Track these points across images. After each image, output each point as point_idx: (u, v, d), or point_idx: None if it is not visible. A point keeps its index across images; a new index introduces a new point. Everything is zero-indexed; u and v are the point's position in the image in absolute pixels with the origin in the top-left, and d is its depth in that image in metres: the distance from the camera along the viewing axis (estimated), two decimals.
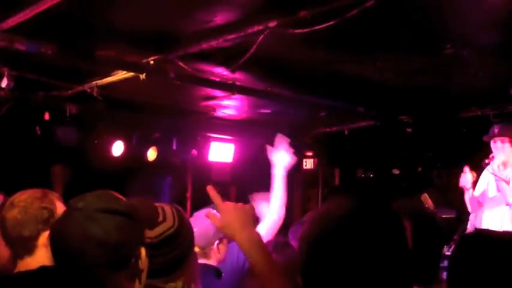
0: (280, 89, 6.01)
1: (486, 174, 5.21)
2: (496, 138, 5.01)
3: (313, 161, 9.19)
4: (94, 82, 5.56)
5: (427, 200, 5.31)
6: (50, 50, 4.36)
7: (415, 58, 4.77)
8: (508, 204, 4.85)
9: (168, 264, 1.84)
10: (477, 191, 5.25)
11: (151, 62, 4.82)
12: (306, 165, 9.25)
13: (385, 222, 1.28)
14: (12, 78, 5.00)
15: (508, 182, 4.88)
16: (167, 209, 1.94)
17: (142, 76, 4.90)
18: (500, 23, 3.86)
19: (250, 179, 9.28)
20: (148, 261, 1.64)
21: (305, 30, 3.75)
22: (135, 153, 7.38)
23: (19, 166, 6.36)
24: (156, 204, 1.96)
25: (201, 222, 2.99)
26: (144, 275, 1.62)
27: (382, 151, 8.34)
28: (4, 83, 4.97)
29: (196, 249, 2.90)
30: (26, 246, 2.29)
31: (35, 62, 4.89)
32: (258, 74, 5.39)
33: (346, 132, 7.95)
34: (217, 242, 3.03)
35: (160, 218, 1.89)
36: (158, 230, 1.84)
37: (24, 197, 2.33)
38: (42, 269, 1.47)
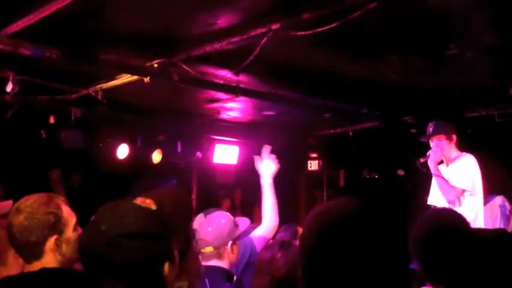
0: (284, 91, 6.02)
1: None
2: (433, 137, 5.00)
3: (318, 163, 9.19)
4: (98, 86, 5.58)
5: None
6: (55, 54, 4.37)
7: (418, 59, 4.77)
8: (449, 202, 4.78)
9: None
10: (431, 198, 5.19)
11: (155, 65, 4.84)
12: (310, 167, 9.26)
13: (387, 220, 1.29)
14: (17, 82, 5.02)
15: (446, 180, 4.83)
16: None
17: (147, 79, 4.92)
18: (502, 23, 3.85)
19: (254, 181, 9.29)
20: (173, 273, 1.62)
21: (308, 32, 3.75)
22: (139, 156, 7.40)
23: (25, 170, 6.38)
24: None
25: (216, 222, 3.02)
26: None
27: (386, 152, 8.33)
28: (9, 88, 4.99)
29: (211, 249, 2.93)
30: (33, 252, 2.29)
31: (39, 66, 4.91)
32: (261, 76, 5.39)
33: (350, 134, 7.94)
34: (230, 242, 3.03)
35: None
36: None
37: (30, 203, 2.33)
38: (43, 270, 1.47)
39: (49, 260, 2.29)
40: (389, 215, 1.30)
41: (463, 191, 4.78)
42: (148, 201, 1.64)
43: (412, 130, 7.17)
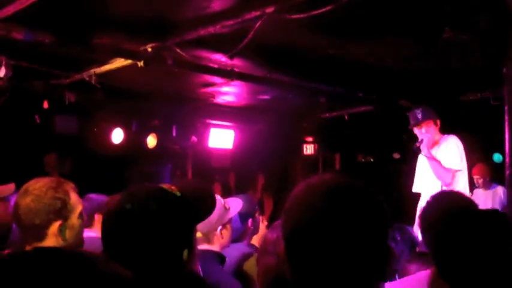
0: (279, 75, 5.99)
1: (421, 161, 5.26)
2: (423, 124, 5.07)
3: (314, 147, 9.20)
4: (92, 70, 5.54)
5: None
6: (47, 38, 4.34)
7: (414, 42, 4.75)
8: (446, 185, 4.83)
9: None
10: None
11: (149, 50, 4.81)
12: (306, 151, 9.27)
13: (370, 200, 1.30)
14: (10, 67, 4.98)
15: (440, 162, 4.92)
16: None
17: (141, 63, 4.89)
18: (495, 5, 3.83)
19: (250, 165, 9.31)
20: (191, 262, 1.65)
21: (302, 15, 3.72)
22: (134, 140, 7.40)
23: (20, 155, 6.36)
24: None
25: None
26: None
27: (382, 135, 8.34)
28: (2, 73, 4.95)
29: (199, 234, 2.93)
30: (36, 234, 2.33)
31: (32, 50, 4.87)
32: (256, 60, 5.37)
33: (346, 117, 7.93)
34: (220, 227, 3.03)
35: None
36: None
37: (39, 185, 2.35)
38: (36, 249, 1.47)
39: (51, 243, 2.32)
40: (373, 195, 1.31)
41: (456, 171, 4.87)
42: (173, 187, 1.67)
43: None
